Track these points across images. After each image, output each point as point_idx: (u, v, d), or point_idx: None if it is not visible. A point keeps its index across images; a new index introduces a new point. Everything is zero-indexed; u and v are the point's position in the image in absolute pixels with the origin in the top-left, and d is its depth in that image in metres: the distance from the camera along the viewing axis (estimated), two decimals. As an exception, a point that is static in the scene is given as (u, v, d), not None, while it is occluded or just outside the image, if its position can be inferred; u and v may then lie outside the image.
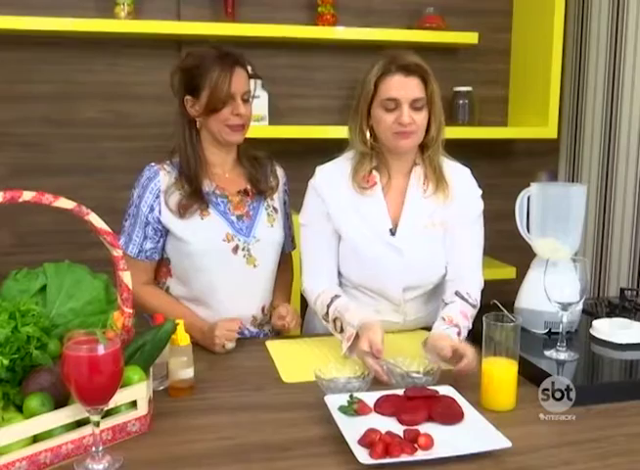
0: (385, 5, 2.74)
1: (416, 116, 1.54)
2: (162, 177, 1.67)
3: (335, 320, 1.56)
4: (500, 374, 1.26)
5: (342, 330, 1.53)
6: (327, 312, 1.59)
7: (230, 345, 1.57)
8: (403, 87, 1.53)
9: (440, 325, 1.50)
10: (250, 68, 1.71)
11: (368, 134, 1.61)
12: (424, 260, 1.65)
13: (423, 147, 1.64)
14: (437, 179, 1.64)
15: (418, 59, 1.56)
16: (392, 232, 1.63)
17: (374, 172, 1.64)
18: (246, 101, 1.67)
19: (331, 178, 1.66)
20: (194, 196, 1.65)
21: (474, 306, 1.58)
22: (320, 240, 1.67)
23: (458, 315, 1.52)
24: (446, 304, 1.57)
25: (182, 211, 1.65)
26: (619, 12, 2.55)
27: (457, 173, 1.69)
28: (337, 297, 1.61)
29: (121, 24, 2.38)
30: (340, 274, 1.71)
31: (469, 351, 1.36)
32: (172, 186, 1.67)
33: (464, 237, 1.66)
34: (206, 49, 1.67)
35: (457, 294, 1.58)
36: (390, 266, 1.62)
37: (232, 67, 1.63)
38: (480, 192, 1.70)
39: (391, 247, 1.62)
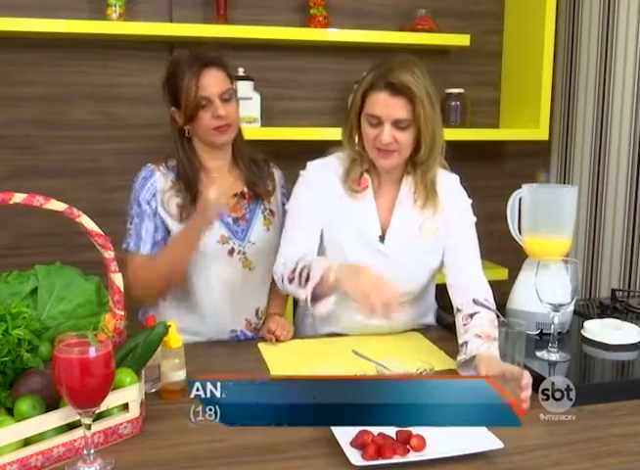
0: (377, 7, 2.75)
1: (399, 134, 1.48)
2: (159, 178, 1.67)
3: (302, 270, 1.44)
4: None
5: (307, 280, 1.42)
6: (294, 269, 1.47)
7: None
8: (387, 106, 1.46)
9: (480, 344, 1.35)
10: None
11: (357, 140, 1.57)
12: (412, 267, 1.62)
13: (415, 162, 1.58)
14: (428, 193, 1.60)
15: (410, 78, 1.45)
16: (382, 239, 1.60)
17: (365, 175, 1.61)
18: (226, 100, 1.62)
19: (323, 175, 1.62)
20: (194, 204, 1.64)
21: (494, 312, 1.48)
22: (304, 220, 1.61)
23: (490, 328, 1.39)
24: (470, 315, 1.46)
25: (183, 217, 1.65)
26: (610, 14, 2.56)
27: (446, 182, 1.65)
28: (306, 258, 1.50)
29: (113, 26, 2.37)
30: None
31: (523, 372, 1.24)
32: (170, 189, 1.67)
33: (461, 241, 1.62)
34: (182, 55, 1.65)
35: (476, 302, 1.48)
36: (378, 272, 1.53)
37: (199, 70, 1.59)
38: (470, 202, 1.67)
39: (379, 253, 1.59)
